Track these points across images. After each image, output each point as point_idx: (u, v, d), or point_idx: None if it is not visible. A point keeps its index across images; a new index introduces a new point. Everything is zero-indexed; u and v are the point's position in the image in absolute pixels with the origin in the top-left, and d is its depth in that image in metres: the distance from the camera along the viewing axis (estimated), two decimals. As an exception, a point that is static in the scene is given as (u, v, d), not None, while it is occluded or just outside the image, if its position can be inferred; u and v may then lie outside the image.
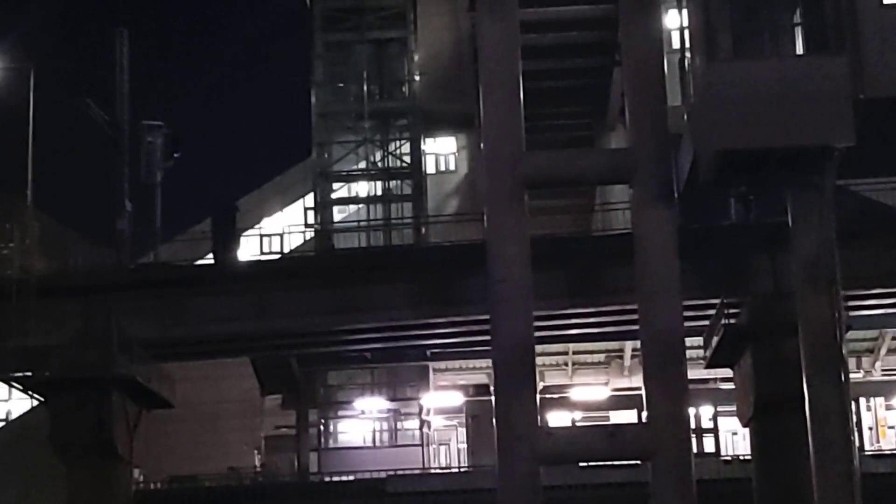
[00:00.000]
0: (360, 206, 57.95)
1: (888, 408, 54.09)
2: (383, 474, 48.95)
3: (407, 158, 56.91)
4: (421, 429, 54.54)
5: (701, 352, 43.90)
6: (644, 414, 24.39)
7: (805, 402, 25.33)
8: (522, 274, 24.23)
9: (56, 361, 41.69)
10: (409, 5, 57.32)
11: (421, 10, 57.53)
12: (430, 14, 57.73)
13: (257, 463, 56.30)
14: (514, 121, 24.75)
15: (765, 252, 39.69)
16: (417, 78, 57.22)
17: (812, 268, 25.66)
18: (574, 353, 54.42)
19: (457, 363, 54.14)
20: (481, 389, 53.62)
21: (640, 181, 24.44)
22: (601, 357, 55.00)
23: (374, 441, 55.54)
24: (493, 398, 24.72)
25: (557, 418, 52.44)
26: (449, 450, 55.93)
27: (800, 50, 25.54)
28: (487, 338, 25.45)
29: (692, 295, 31.01)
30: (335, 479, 50.99)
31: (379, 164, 57.13)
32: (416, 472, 51.06)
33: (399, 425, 55.39)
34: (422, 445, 54.02)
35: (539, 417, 24.23)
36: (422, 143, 57.21)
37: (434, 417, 55.30)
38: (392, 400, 55.28)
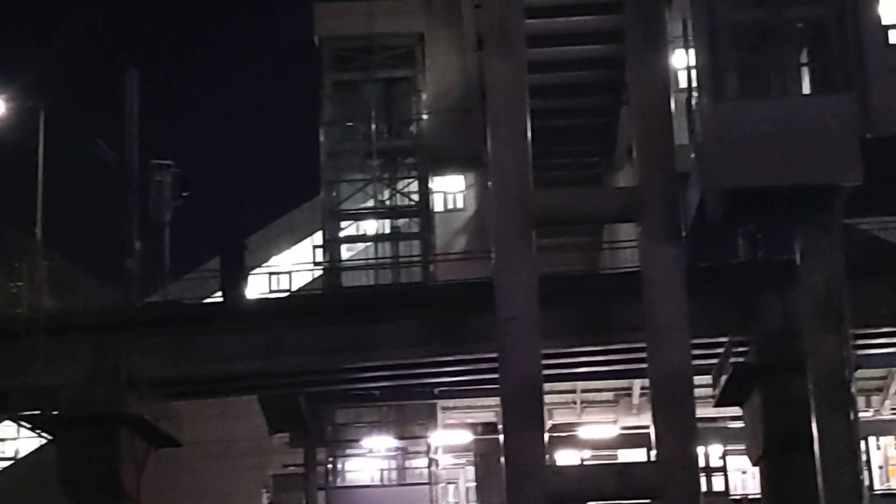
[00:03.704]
0: (369, 244, 57.98)
1: (898, 446, 53.91)
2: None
3: (415, 197, 56.95)
4: (429, 467, 54.37)
5: (709, 390, 43.72)
6: (653, 453, 24.35)
7: (814, 440, 25.31)
8: (530, 312, 24.28)
9: (65, 400, 41.65)
10: (418, 45, 57.54)
11: (429, 50, 57.72)
12: (439, 53, 57.95)
13: (265, 502, 56.13)
14: (523, 159, 24.88)
15: (773, 290, 39.60)
16: (426, 117, 57.37)
17: (821, 306, 25.70)
18: (582, 391, 54.26)
19: (465, 401, 54.00)
20: (489, 428, 53.49)
21: (648, 219, 24.53)
22: (609, 395, 54.81)
23: (381, 479, 55.35)
24: (501, 436, 24.72)
25: (566, 457, 52.27)
26: (457, 488, 55.72)
27: (807, 89, 25.68)
28: (496, 376, 25.44)
29: (700, 333, 30.89)
30: (343, 517, 50.93)
31: (387, 203, 57.20)
32: (425, 510, 50.96)
33: (407, 464, 55.22)
34: (430, 484, 53.86)
35: (547, 456, 24.23)
36: (430, 181, 57.30)
37: (442, 456, 55.14)
38: (400, 438, 55.15)
